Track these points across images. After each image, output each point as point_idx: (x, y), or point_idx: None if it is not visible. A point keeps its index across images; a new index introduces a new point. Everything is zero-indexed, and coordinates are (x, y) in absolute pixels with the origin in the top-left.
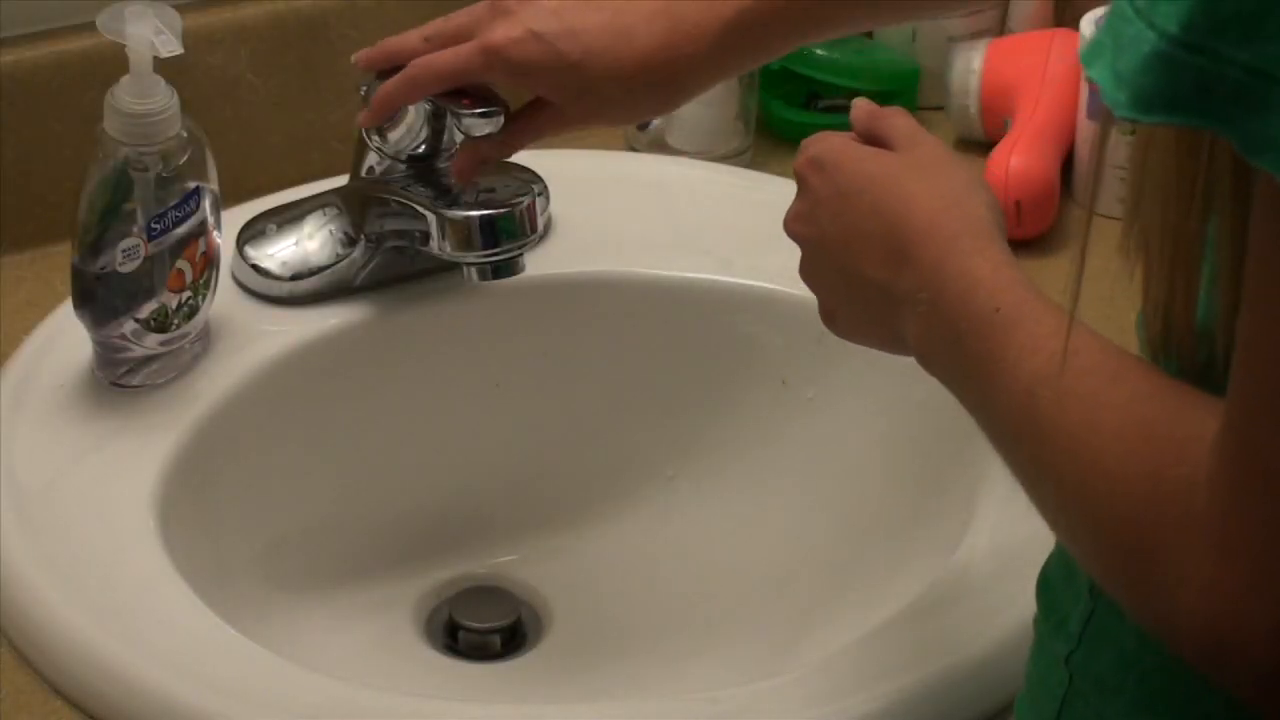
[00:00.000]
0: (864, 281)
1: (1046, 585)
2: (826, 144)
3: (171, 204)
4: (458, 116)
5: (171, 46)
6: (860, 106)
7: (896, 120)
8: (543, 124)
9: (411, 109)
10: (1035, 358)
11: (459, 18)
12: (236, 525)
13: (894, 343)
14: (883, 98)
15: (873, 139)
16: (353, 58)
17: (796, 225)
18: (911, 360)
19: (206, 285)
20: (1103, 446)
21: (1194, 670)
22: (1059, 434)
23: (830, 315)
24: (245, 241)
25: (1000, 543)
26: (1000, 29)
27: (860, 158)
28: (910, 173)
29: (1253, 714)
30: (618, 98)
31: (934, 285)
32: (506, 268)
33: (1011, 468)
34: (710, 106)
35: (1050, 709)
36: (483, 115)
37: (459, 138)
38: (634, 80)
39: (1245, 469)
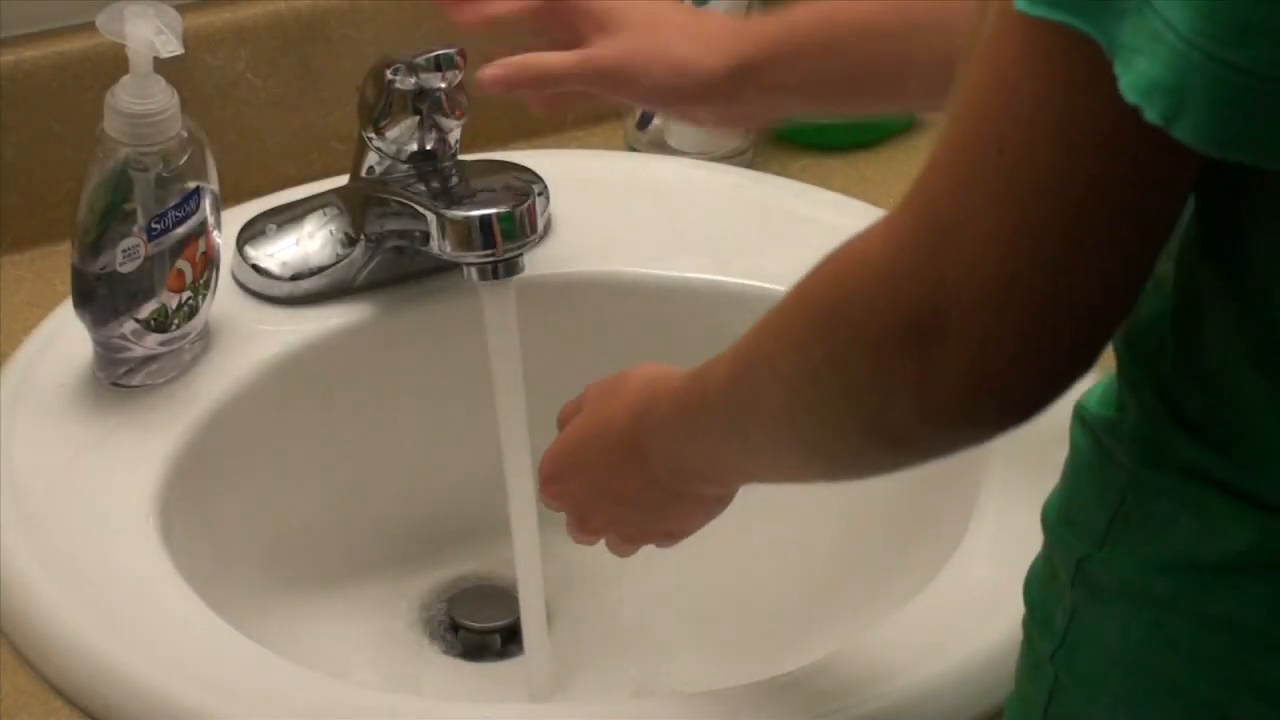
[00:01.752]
0: (642, 496)
1: (1032, 584)
2: (545, 464)
3: (171, 204)
4: (413, 70)
5: (171, 46)
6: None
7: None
8: (616, 83)
9: (410, 110)
10: (716, 376)
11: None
12: (236, 525)
13: (707, 504)
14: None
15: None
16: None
17: (580, 532)
18: None
19: (206, 285)
20: (785, 323)
21: (1175, 665)
22: (758, 339)
23: (640, 536)
24: (245, 241)
25: (1000, 543)
26: None
27: (568, 441)
28: (597, 414)
29: (1234, 705)
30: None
31: (662, 446)
32: (507, 268)
33: (756, 457)
34: None
35: (1038, 706)
36: (437, 68)
37: (456, 137)
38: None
39: (916, 207)
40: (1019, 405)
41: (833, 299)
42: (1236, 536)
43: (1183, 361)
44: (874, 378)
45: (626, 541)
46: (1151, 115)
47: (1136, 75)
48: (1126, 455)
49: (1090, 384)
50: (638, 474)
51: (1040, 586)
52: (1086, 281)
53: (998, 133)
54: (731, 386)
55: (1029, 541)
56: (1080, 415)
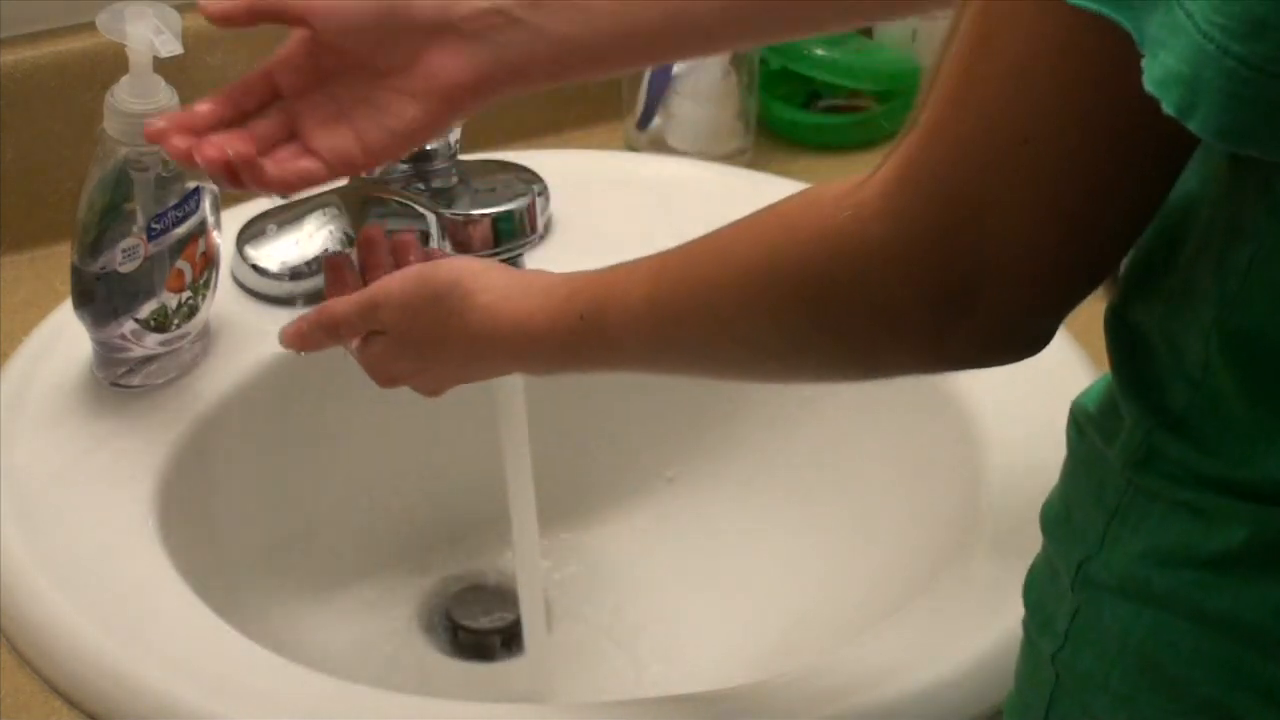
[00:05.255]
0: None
1: (1033, 585)
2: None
3: (171, 204)
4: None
5: (171, 46)
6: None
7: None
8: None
9: None
10: (636, 304)
11: None
12: (236, 525)
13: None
14: (882, 97)
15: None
16: None
17: (376, 376)
18: None
19: (206, 285)
20: (748, 296)
21: (1175, 665)
22: (695, 296)
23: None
24: (245, 241)
25: (1000, 543)
26: None
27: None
28: (415, 331)
29: (1235, 704)
30: None
31: (535, 369)
32: None
33: (706, 371)
34: (710, 106)
35: (1038, 708)
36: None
37: (456, 137)
38: None
39: (927, 191)
40: (1034, 345)
41: (823, 278)
42: (1232, 532)
43: (1168, 361)
44: (892, 343)
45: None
46: (1168, 107)
47: (1158, 66)
48: (1119, 459)
49: (1087, 385)
50: (473, 363)
51: (1041, 588)
52: (1102, 243)
53: (1021, 123)
54: (653, 344)
55: (1029, 542)
56: (1076, 418)
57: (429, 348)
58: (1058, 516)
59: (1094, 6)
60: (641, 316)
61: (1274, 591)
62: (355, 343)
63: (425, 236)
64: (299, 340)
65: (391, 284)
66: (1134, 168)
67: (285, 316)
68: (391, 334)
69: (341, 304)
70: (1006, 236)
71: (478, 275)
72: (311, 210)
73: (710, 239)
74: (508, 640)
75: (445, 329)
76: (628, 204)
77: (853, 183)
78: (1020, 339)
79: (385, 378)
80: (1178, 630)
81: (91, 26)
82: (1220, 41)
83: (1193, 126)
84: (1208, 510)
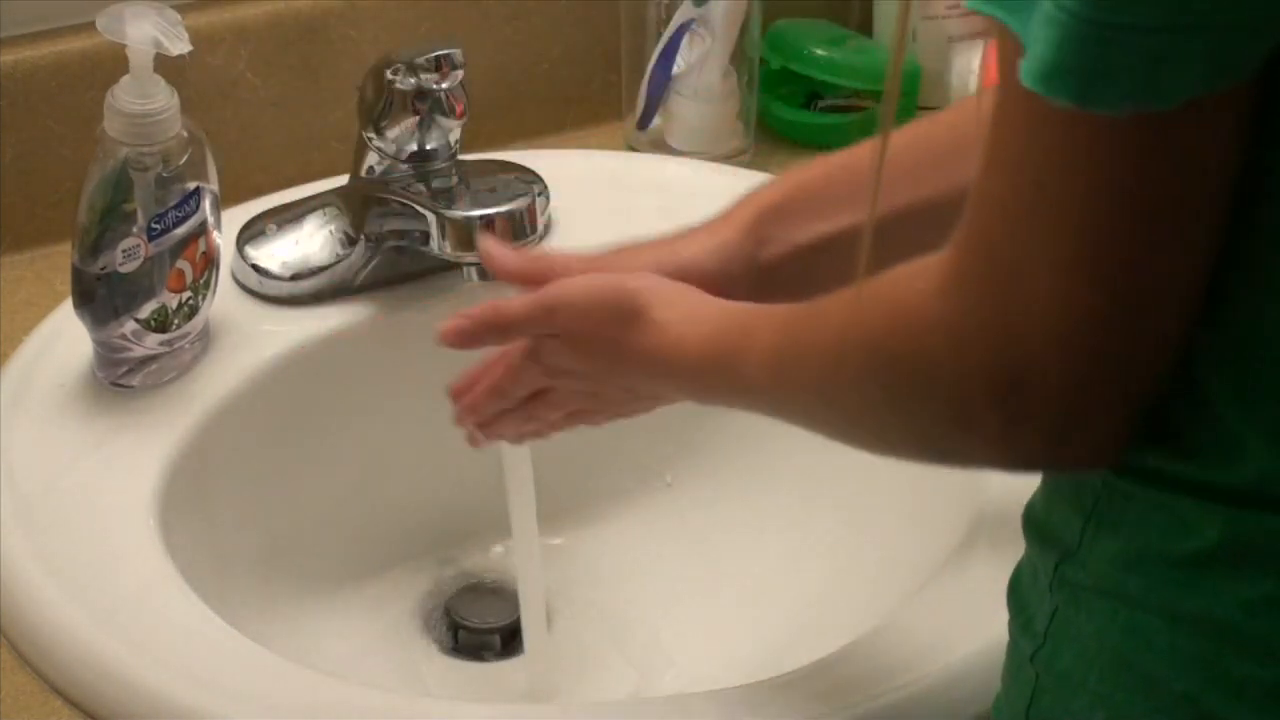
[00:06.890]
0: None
1: (1016, 587)
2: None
3: (171, 204)
4: (413, 70)
5: (180, 45)
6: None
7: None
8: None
9: (410, 110)
10: (764, 352)
11: None
12: (236, 525)
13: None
14: (881, 98)
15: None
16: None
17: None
18: None
19: (206, 285)
20: (839, 360)
21: (1151, 664)
22: (802, 356)
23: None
24: (245, 241)
25: (1000, 542)
26: None
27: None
28: (602, 335)
29: (1211, 701)
30: None
31: (672, 393)
32: None
33: (816, 429)
34: (710, 106)
35: (1020, 706)
36: (437, 68)
37: (456, 137)
38: None
39: (977, 254)
40: (1101, 447)
41: (892, 355)
42: (1206, 532)
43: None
44: (957, 427)
45: (559, 409)
46: (1065, 99)
47: (1031, 60)
48: None
49: None
50: (627, 381)
51: (1023, 589)
52: (1143, 295)
53: (1034, 170)
54: (773, 394)
55: None
56: None
57: (603, 357)
58: (1037, 519)
59: (989, 10)
60: (768, 366)
61: (1246, 590)
62: (520, 343)
63: (425, 237)
64: (460, 338)
65: (571, 287)
66: (1140, 191)
67: (285, 316)
68: (563, 338)
69: (515, 304)
70: (1039, 289)
71: (657, 291)
72: (311, 210)
73: (826, 301)
74: (508, 640)
75: (622, 338)
76: (628, 204)
77: (929, 258)
78: (1077, 427)
79: (552, 371)
80: (1153, 629)
81: (91, 26)
82: (1080, 12)
83: (1065, 99)
84: (1182, 512)
